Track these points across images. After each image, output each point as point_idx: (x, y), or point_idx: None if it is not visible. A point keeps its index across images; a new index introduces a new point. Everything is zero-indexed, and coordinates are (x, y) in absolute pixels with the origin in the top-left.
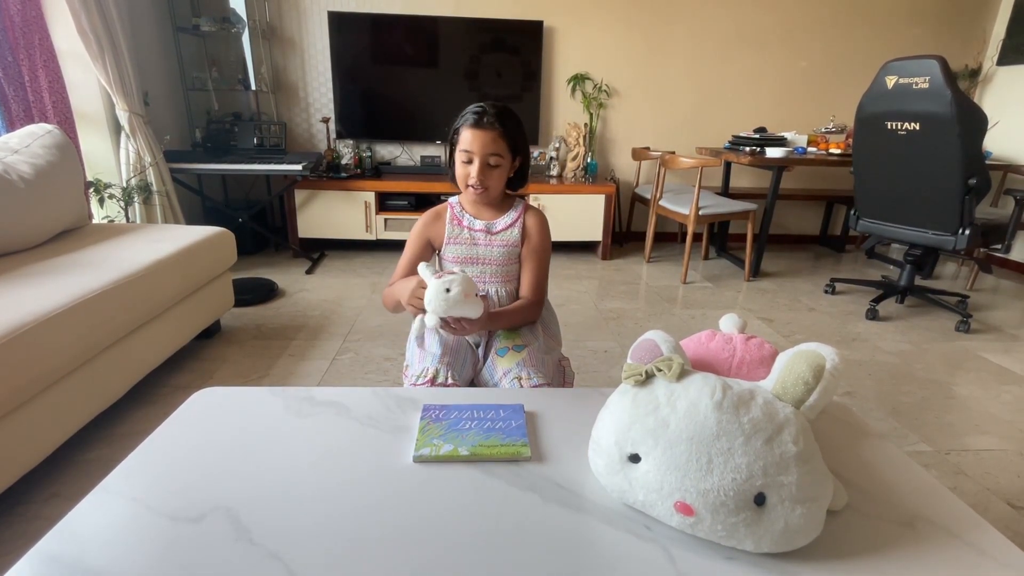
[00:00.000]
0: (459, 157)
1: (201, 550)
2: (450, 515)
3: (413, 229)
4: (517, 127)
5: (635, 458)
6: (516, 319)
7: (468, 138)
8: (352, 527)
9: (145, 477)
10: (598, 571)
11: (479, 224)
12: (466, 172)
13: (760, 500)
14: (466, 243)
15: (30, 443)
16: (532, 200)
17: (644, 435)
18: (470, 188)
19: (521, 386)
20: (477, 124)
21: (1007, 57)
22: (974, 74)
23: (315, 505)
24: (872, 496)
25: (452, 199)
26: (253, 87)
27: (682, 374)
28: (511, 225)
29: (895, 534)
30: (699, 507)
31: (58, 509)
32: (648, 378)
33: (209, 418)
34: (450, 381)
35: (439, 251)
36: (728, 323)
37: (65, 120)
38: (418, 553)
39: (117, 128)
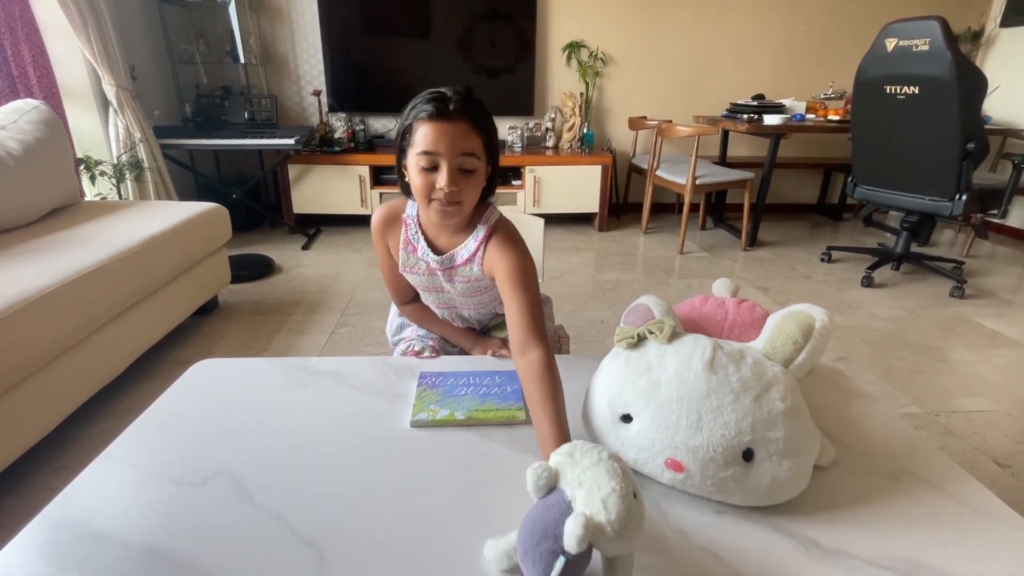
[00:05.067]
0: (416, 163)
1: (206, 512)
2: (446, 476)
3: (373, 235)
4: (489, 117)
5: (627, 418)
6: (558, 401)
7: (429, 135)
8: (352, 488)
9: (147, 445)
10: None
11: (434, 260)
12: (429, 181)
13: (748, 455)
14: (422, 274)
15: (34, 417)
16: (528, 173)
17: (636, 396)
18: (435, 203)
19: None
20: (440, 115)
21: (1010, 19)
22: (976, 36)
23: (316, 468)
24: (859, 452)
25: (409, 211)
26: (242, 59)
27: (673, 336)
28: (469, 260)
29: (880, 487)
30: (689, 464)
31: (64, 481)
32: (640, 340)
33: (209, 388)
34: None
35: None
36: (721, 287)
37: (51, 95)
38: (416, 512)
39: (105, 103)
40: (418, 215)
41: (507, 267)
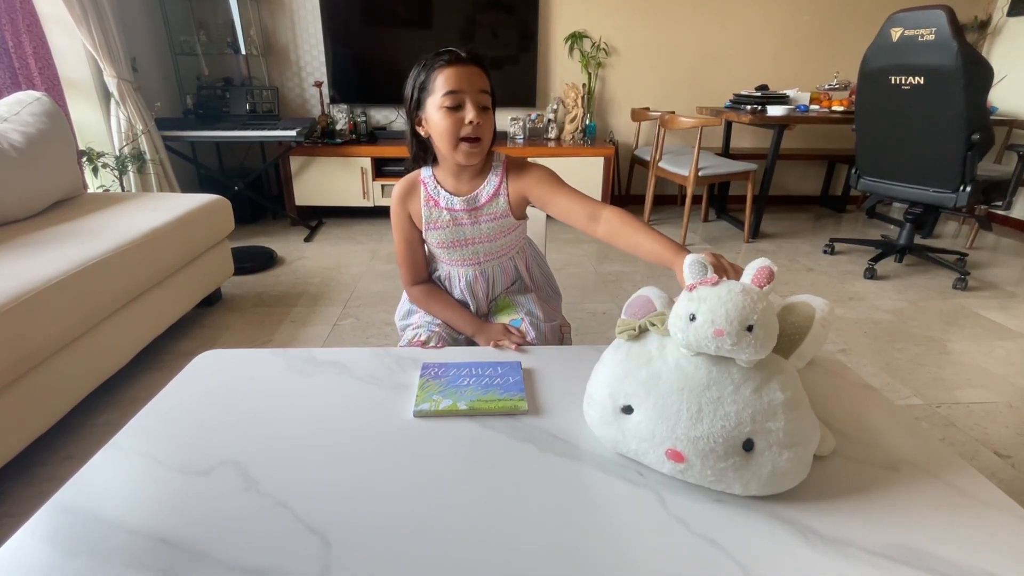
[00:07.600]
0: (442, 104)
1: (212, 499)
2: (449, 465)
3: (392, 210)
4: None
5: (628, 409)
6: (646, 228)
7: (452, 76)
8: (356, 477)
9: (153, 434)
10: (593, 515)
11: (459, 203)
12: (457, 119)
13: (748, 446)
14: (448, 226)
15: (40, 407)
16: None
17: (637, 387)
18: (463, 144)
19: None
20: (458, 60)
21: (1018, 8)
22: (983, 25)
23: (320, 457)
24: (859, 442)
25: (424, 173)
26: (243, 51)
27: None
28: (495, 194)
29: (879, 477)
30: (689, 454)
31: (72, 470)
32: (641, 332)
33: (214, 378)
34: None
35: (423, 233)
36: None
37: (53, 87)
38: (419, 500)
39: (106, 95)
40: (434, 173)
41: (538, 178)
